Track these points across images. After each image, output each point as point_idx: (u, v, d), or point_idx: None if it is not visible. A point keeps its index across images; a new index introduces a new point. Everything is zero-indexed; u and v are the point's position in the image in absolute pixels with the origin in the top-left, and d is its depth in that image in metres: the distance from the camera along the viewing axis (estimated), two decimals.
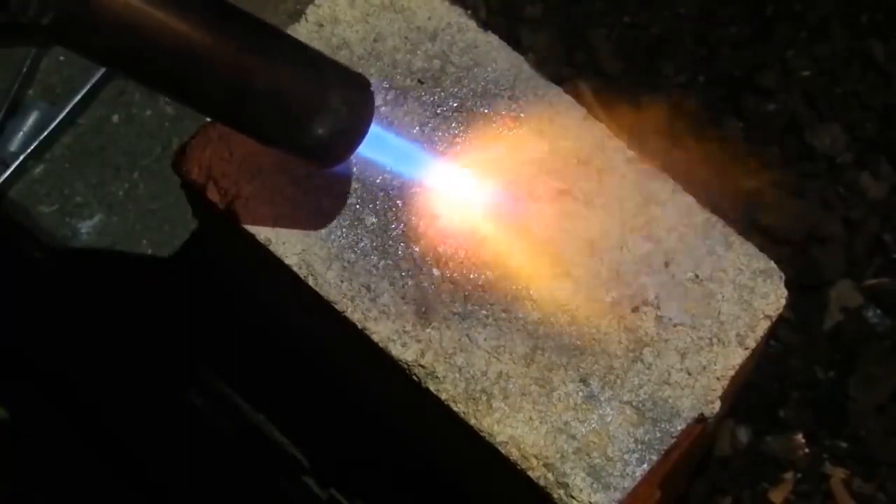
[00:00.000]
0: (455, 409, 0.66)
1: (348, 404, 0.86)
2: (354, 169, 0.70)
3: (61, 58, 1.01)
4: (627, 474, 0.65)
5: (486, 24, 0.74)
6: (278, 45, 0.61)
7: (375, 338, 0.67)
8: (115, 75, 0.99)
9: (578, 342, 0.67)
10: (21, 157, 0.96)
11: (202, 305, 0.92)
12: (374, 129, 0.65)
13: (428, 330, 0.68)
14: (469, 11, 0.74)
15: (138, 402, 0.97)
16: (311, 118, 0.61)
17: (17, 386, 0.96)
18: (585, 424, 0.66)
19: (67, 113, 0.98)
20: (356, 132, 0.64)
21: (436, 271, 0.69)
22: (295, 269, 0.69)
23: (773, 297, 0.68)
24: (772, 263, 0.69)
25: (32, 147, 0.97)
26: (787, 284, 0.69)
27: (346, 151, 0.64)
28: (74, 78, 1.01)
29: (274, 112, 0.61)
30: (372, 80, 0.72)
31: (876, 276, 1.06)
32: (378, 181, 0.70)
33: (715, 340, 0.67)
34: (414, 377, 0.67)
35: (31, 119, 0.98)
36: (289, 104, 0.61)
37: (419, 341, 0.67)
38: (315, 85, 0.62)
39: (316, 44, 0.72)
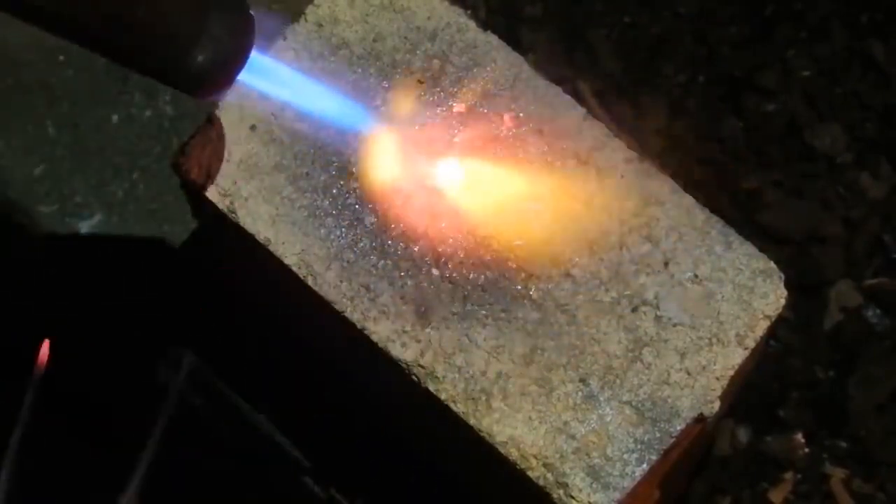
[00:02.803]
0: (455, 409, 0.66)
1: (348, 404, 0.86)
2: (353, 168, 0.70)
3: (61, 57, 1.01)
4: (627, 474, 0.65)
5: (485, 24, 0.74)
6: None
7: (375, 338, 0.68)
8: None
9: (578, 342, 0.67)
10: None
11: (202, 305, 0.92)
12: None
13: (427, 330, 0.68)
14: (469, 11, 0.74)
15: (137, 402, 0.96)
16: (191, 47, 0.59)
17: (15, 385, 0.96)
18: (585, 424, 0.66)
19: None
20: (237, 61, 0.61)
21: (435, 271, 0.69)
22: (294, 268, 0.69)
23: (772, 297, 0.68)
24: (771, 263, 0.69)
25: None
26: (787, 284, 0.69)
27: (226, 81, 0.62)
28: (75, 78, 1.01)
29: (153, 41, 0.58)
30: (372, 80, 0.72)
31: (876, 276, 1.06)
32: (377, 180, 0.70)
33: (714, 340, 0.67)
34: (413, 377, 0.67)
35: None
36: (169, 32, 0.58)
37: (419, 341, 0.67)
38: (196, 11, 0.59)
39: (316, 43, 0.72)
